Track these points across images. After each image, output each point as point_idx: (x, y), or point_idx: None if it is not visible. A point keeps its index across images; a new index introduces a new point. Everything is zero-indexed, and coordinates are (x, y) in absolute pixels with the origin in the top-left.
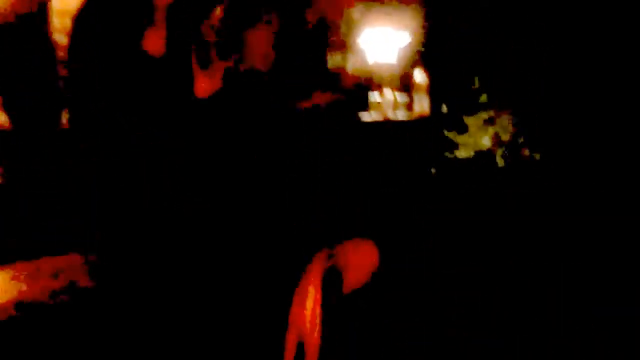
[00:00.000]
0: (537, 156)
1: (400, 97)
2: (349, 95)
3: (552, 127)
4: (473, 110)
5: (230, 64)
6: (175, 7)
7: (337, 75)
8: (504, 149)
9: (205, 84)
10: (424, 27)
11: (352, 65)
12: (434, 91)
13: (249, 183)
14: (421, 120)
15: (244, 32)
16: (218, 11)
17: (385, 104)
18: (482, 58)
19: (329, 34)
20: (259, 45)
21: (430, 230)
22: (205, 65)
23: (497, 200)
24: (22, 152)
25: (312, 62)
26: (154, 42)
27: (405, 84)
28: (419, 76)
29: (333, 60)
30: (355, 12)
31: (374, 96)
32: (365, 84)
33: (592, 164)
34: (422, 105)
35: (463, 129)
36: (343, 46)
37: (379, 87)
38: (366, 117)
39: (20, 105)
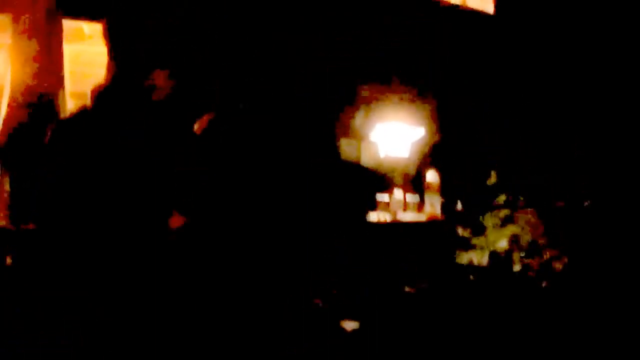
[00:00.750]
0: (560, 265)
1: (411, 197)
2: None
3: (579, 227)
4: (490, 209)
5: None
6: None
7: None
8: (522, 252)
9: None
10: (437, 122)
11: (364, 159)
12: (448, 189)
13: None
14: (433, 221)
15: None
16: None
17: (395, 204)
18: (499, 152)
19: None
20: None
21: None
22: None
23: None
24: None
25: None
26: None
27: (416, 183)
28: (431, 175)
29: (345, 152)
30: (369, 106)
31: (383, 196)
32: (374, 180)
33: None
34: (433, 205)
35: (479, 229)
36: (355, 139)
37: (389, 185)
38: (373, 217)
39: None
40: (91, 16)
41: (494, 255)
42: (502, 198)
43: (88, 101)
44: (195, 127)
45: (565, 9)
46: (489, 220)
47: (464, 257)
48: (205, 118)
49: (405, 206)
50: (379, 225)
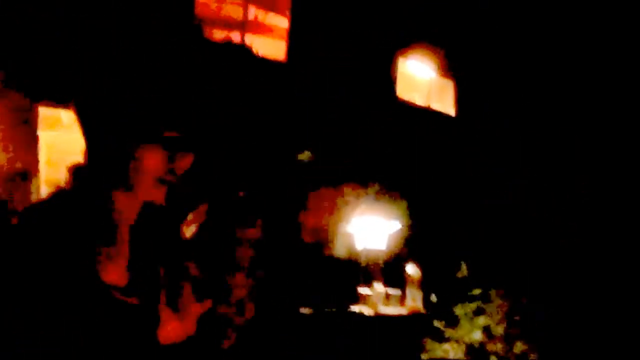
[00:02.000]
0: (535, 356)
1: (392, 291)
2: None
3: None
4: (461, 300)
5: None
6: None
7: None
8: (498, 344)
9: (174, 329)
10: (413, 218)
11: (342, 251)
12: (426, 281)
13: None
14: (414, 314)
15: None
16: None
17: (376, 298)
18: (470, 245)
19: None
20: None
21: None
22: (176, 307)
23: None
24: None
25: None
26: (114, 273)
27: (397, 276)
28: (411, 268)
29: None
30: (346, 201)
31: (364, 289)
32: (356, 273)
33: None
34: (415, 298)
35: (453, 320)
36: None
37: (370, 277)
38: (355, 310)
39: None
40: (68, 104)
41: (468, 347)
42: (476, 291)
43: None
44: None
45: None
46: (461, 311)
47: (438, 350)
48: (201, 210)
49: (387, 299)
50: (359, 318)
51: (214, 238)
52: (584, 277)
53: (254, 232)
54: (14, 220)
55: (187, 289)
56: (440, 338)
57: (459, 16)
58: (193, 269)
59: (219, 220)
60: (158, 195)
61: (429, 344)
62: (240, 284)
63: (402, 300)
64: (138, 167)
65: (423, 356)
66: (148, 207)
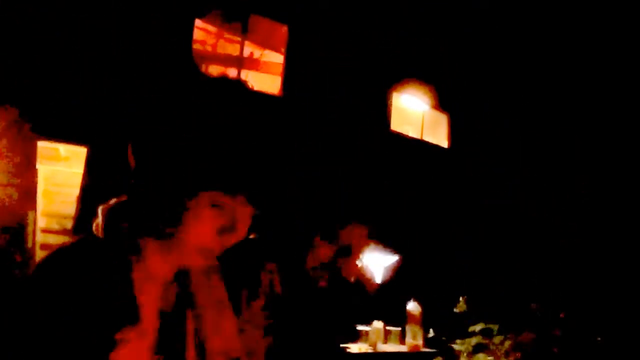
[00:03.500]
0: None
1: (391, 327)
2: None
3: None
4: (461, 336)
5: None
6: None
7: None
8: None
9: None
10: (410, 251)
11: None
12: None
13: None
14: (415, 352)
15: None
16: None
17: (374, 334)
18: (469, 279)
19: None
20: None
21: None
22: None
23: None
24: None
25: None
26: None
27: (395, 313)
28: (411, 305)
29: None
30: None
31: (363, 326)
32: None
33: None
34: (415, 336)
35: (452, 357)
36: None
37: (367, 315)
38: (354, 348)
39: None
40: (68, 138)
41: None
42: (476, 327)
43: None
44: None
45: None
46: (461, 347)
47: None
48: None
49: (386, 336)
50: (358, 356)
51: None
52: (586, 282)
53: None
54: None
55: None
56: None
57: (451, 51)
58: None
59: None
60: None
61: None
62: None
63: (401, 337)
64: (189, 219)
65: None
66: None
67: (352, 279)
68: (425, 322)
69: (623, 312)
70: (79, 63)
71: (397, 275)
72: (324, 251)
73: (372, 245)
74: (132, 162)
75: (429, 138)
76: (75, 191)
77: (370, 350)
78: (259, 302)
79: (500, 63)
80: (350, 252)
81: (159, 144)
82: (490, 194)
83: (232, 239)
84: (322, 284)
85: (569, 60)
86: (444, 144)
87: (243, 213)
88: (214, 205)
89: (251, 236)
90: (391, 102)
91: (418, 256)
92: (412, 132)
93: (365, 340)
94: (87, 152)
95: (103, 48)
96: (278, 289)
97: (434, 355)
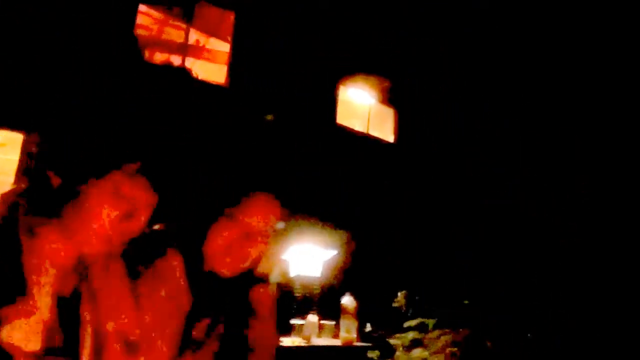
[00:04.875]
0: None
1: (326, 321)
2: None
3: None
4: (398, 331)
5: None
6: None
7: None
8: None
9: None
10: (350, 246)
11: (276, 278)
12: (359, 311)
13: None
14: (348, 346)
15: None
16: None
17: (309, 328)
18: (408, 275)
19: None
20: None
21: None
22: None
23: None
24: None
25: None
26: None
27: (330, 307)
28: (347, 299)
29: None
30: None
31: (296, 319)
32: (289, 303)
33: None
34: (349, 329)
35: (389, 351)
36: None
37: (303, 308)
38: (287, 342)
39: None
40: (8, 125)
41: None
42: (412, 322)
43: None
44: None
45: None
46: (397, 342)
47: None
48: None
49: (320, 330)
50: (291, 350)
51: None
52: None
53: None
54: None
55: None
56: None
57: (400, 46)
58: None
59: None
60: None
61: None
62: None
63: (336, 331)
64: (81, 204)
65: None
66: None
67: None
68: (363, 316)
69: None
70: (16, 48)
71: (336, 270)
72: (228, 234)
73: (312, 239)
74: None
75: (375, 132)
76: (9, 179)
77: (304, 344)
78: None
79: (451, 58)
80: (260, 234)
81: (78, 129)
82: (435, 187)
83: (132, 227)
84: (224, 269)
85: (530, 54)
86: (391, 138)
87: (144, 200)
88: (114, 192)
89: (156, 226)
90: (338, 95)
91: (359, 250)
92: (359, 126)
93: (299, 334)
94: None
95: (43, 32)
96: (182, 278)
97: (367, 349)
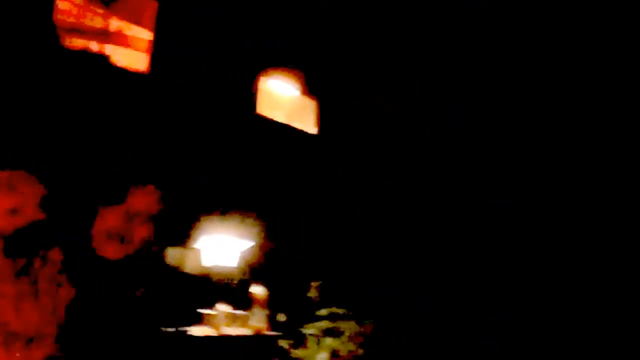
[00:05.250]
0: None
1: (237, 311)
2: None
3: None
4: (310, 320)
5: None
6: None
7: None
8: None
9: None
10: (262, 237)
11: (190, 267)
12: (274, 301)
13: None
14: (258, 335)
15: None
16: None
17: (219, 318)
18: (323, 266)
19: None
20: None
21: None
22: None
23: None
24: None
25: None
26: None
27: (242, 297)
28: (257, 288)
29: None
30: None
31: (207, 309)
32: (198, 291)
33: None
34: (260, 319)
35: (301, 341)
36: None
37: (214, 297)
38: (197, 331)
39: None
40: None
41: None
42: (325, 311)
43: None
44: None
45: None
46: (309, 331)
47: None
48: None
49: (231, 319)
50: (202, 339)
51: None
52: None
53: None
54: None
55: None
56: (287, 358)
57: (322, 37)
58: None
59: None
60: None
61: None
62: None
63: (247, 320)
64: None
65: None
66: None
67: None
68: (277, 306)
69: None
70: None
71: (250, 260)
72: (111, 219)
73: (228, 229)
74: None
75: (297, 123)
76: None
77: (213, 334)
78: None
79: (374, 51)
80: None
81: None
82: (360, 178)
83: (19, 220)
84: (111, 253)
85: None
86: (313, 129)
87: (31, 193)
88: (7, 185)
89: (40, 217)
90: (259, 85)
91: (275, 241)
92: (280, 117)
93: (209, 324)
94: None
95: None
96: (62, 272)
97: (278, 338)
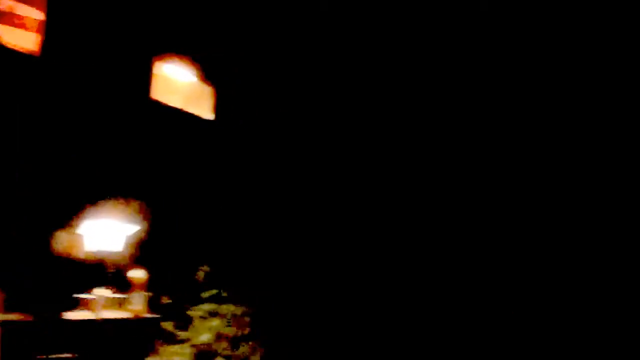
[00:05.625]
0: (257, 356)
1: (116, 294)
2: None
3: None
4: (197, 303)
5: None
6: None
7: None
8: (225, 344)
9: None
10: (147, 222)
11: (72, 252)
12: (157, 285)
13: None
14: (139, 317)
15: None
16: None
17: (98, 301)
18: (209, 250)
19: None
20: None
21: None
22: None
23: None
24: None
25: None
26: None
27: (122, 280)
28: (137, 272)
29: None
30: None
31: (86, 292)
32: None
33: None
34: (139, 302)
35: (186, 323)
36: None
37: (93, 280)
38: (73, 315)
39: None
40: None
41: (197, 348)
42: (207, 293)
43: None
44: None
45: None
46: (195, 314)
47: (168, 352)
48: None
49: (110, 303)
50: (78, 323)
51: None
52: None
53: None
54: None
55: None
56: (172, 340)
57: (219, 24)
58: None
59: None
60: None
61: (161, 346)
62: None
63: (126, 304)
64: None
65: (153, 359)
66: None
67: None
68: (163, 289)
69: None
70: None
71: (136, 244)
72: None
73: (113, 213)
74: None
75: (193, 109)
76: None
77: (91, 317)
78: None
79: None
80: None
81: None
82: (254, 166)
83: None
84: None
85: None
86: (209, 115)
87: None
88: None
89: None
90: (155, 70)
91: (163, 226)
92: (176, 102)
93: (87, 308)
94: None
95: None
96: None
97: (159, 320)
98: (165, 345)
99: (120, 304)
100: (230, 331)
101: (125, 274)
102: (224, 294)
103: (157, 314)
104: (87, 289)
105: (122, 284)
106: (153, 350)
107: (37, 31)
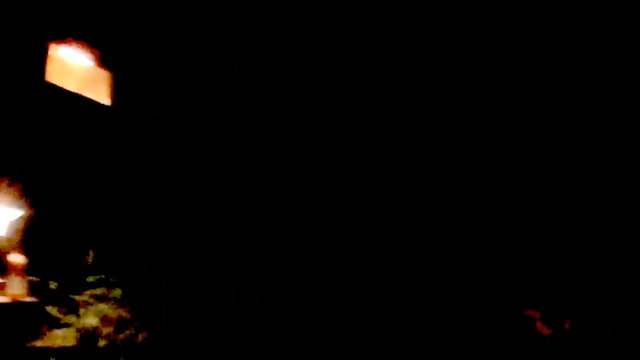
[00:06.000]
0: (142, 337)
1: None
2: None
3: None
4: (83, 288)
5: None
6: None
7: None
8: (110, 328)
9: None
10: (34, 207)
11: None
12: (43, 270)
13: None
14: (17, 302)
15: None
16: None
17: None
18: (97, 235)
19: None
20: None
21: None
22: None
23: None
24: None
25: None
26: None
27: (1, 265)
28: (15, 256)
29: None
30: None
31: None
32: None
33: None
34: (18, 286)
35: (71, 308)
36: None
37: None
38: None
39: None
40: None
41: (82, 332)
42: (93, 278)
43: None
44: None
45: None
46: (82, 298)
47: (53, 336)
48: None
49: None
50: None
51: None
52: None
53: None
54: None
55: None
56: (57, 325)
57: (115, 8)
58: None
59: None
60: None
61: (46, 331)
62: None
63: (3, 288)
64: None
65: (38, 343)
66: None
67: None
68: (49, 274)
69: None
70: None
71: (18, 229)
72: None
73: None
74: None
75: (90, 94)
76: None
77: None
78: None
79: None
80: None
81: None
82: (146, 150)
83: None
84: None
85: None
86: (106, 101)
87: None
88: None
89: None
90: (51, 52)
91: (50, 211)
92: (73, 87)
93: None
94: None
95: None
96: None
97: (42, 304)
98: (51, 330)
99: None
100: (116, 314)
101: (5, 258)
102: (112, 280)
103: (39, 299)
104: None
105: (1, 269)
106: (37, 335)
107: None
